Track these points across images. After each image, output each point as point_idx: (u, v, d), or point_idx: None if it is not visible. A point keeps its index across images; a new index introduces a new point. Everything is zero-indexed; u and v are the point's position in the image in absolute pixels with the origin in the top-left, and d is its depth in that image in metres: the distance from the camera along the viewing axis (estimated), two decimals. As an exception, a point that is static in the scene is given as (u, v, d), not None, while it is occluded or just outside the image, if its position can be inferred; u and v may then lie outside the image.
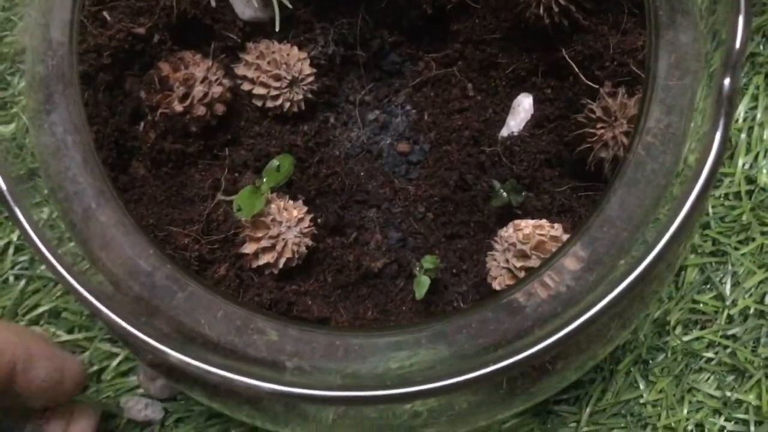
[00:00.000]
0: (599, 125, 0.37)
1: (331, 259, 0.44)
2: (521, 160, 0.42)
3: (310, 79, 0.44)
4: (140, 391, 0.48)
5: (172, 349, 0.29)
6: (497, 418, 0.41)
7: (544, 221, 0.39)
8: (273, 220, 0.40)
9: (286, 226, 0.41)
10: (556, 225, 0.38)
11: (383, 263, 0.45)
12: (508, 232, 0.40)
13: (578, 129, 0.38)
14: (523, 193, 0.41)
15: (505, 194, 0.41)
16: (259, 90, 0.43)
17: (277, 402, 0.40)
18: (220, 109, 0.41)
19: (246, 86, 0.43)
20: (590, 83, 0.38)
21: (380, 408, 0.37)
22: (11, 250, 0.50)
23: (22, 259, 0.50)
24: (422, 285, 0.42)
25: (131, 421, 0.48)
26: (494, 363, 0.27)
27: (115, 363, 0.49)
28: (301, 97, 0.43)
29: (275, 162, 0.40)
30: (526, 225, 0.39)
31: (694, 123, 0.34)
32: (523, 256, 0.38)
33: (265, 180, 0.40)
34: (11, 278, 0.50)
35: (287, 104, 0.43)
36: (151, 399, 0.48)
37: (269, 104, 0.43)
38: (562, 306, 0.31)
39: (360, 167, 0.47)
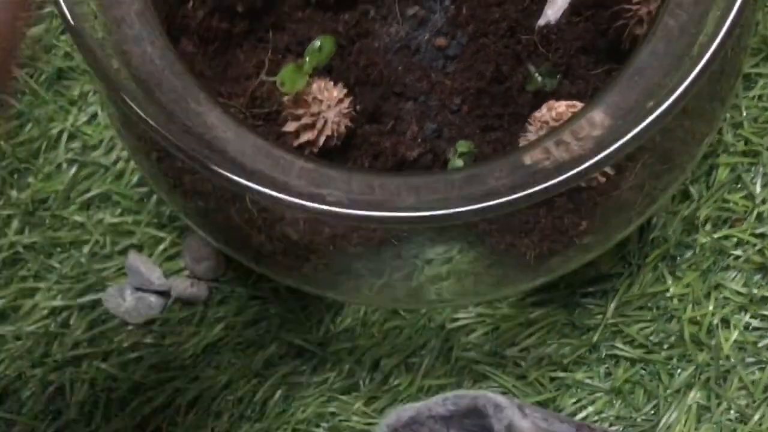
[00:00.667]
0: (635, 1, 0.38)
1: (369, 144, 0.46)
2: (557, 48, 0.43)
3: (352, -35, 0.45)
4: (186, 272, 0.51)
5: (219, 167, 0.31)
6: (527, 286, 0.43)
7: (577, 102, 0.41)
8: (314, 98, 0.42)
9: (326, 105, 0.42)
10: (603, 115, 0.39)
11: (419, 152, 0.46)
12: (541, 112, 0.41)
13: (615, 5, 0.39)
14: (558, 77, 0.42)
15: (540, 78, 0.42)
16: (303, -24, 0.44)
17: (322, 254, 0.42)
18: (260, -9, 0.43)
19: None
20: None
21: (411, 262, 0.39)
22: (64, 138, 0.52)
23: (74, 145, 0.52)
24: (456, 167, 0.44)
25: (178, 300, 0.50)
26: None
27: (162, 247, 0.51)
28: (343, -17, 0.45)
29: (317, 42, 0.42)
30: (560, 105, 0.40)
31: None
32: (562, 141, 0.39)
33: (307, 59, 0.42)
34: (64, 164, 0.52)
35: (329, -10, 0.45)
36: (197, 279, 0.50)
37: (312, -10, 0.44)
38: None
39: (398, 61, 0.48)
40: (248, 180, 0.30)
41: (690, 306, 0.48)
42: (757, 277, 0.48)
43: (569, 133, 0.34)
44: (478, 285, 0.45)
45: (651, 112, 0.31)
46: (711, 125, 0.40)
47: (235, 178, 0.30)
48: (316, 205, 0.29)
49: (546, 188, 0.31)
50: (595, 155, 0.30)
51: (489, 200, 0.30)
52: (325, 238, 0.42)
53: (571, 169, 0.31)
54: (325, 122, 0.42)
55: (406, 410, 0.39)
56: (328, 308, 0.50)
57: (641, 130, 0.30)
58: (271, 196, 0.29)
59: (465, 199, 0.34)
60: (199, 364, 0.50)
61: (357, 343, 0.50)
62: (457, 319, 0.50)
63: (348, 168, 0.40)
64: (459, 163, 0.44)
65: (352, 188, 0.33)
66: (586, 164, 0.29)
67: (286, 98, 0.42)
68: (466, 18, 0.47)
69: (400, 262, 0.44)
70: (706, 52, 0.29)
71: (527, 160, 0.35)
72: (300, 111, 0.42)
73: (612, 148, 0.29)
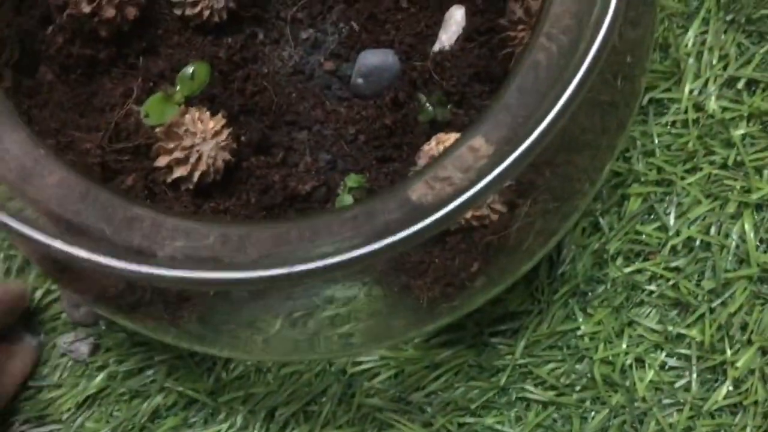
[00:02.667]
0: (520, 27, 0.35)
1: (255, 178, 0.42)
2: (451, 75, 0.41)
3: (233, -14, 0.42)
4: (64, 315, 0.47)
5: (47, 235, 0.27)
6: (421, 331, 0.40)
7: (468, 134, 0.38)
8: (186, 130, 0.39)
9: (201, 137, 0.39)
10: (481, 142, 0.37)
11: (312, 186, 0.43)
12: (430, 145, 0.38)
13: (501, 32, 0.36)
14: (449, 107, 0.39)
15: (431, 108, 0.39)
16: (178, -3, 0.41)
17: (194, 319, 0.39)
18: (131, 12, 0.39)
19: (166, -6, 0.41)
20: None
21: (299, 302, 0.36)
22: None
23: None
24: (344, 204, 0.41)
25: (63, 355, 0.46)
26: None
27: (39, 294, 0.47)
28: (222, 5, 0.42)
29: (189, 69, 0.38)
30: (449, 137, 0.38)
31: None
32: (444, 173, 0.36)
33: (178, 88, 0.38)
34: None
35: (207, 12, 0.41)
36: (78, 328, 0.46)
37: (188, 12, 0.41)
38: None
39: (291, 88, 0.45)
40: (47, 236, 0.26)
41: (602, 345, 0.45)
42: (673, 313, 0.46)
43: (451, 165, 0.32)
44: (377, 329, 0.42)
45: (524, 140, 0.28)
46: (607, 153, 0.38)
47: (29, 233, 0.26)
48: (128, 266, 0.25)
49: (432, 225, 0.28)
50: (473, 188, 0.27)
51: (336, 257, 0.27)
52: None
53: (450, 203, 0.28)
54: (200, 156, 0.39)
55: None
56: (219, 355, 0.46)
57: (513, 161, 0.27)
58: (66, 253, 0.25)
59: (353, 240, 0.31)
60: (79, 416, 0.46)
61: (251, 391, 0.46)
62: (359, 363, 0.47)
63: (196, 214, 0.36)
64: (347, 199, 0.41)
65: (201, 239, 0.29)
66: (463, 198, 0.26)
67: (158, 130, 0.38)
68: (362, 41, 0.44)
69: (291, 305, 0.41)
70: (576, 74, 0.26)
71: (412, 194, 0.32)
72: (171, 144, 0.39)
73: (486, 181, 0.26)
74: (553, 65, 0.30)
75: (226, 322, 0.39)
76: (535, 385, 0.45)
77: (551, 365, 0.45)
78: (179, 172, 0.39)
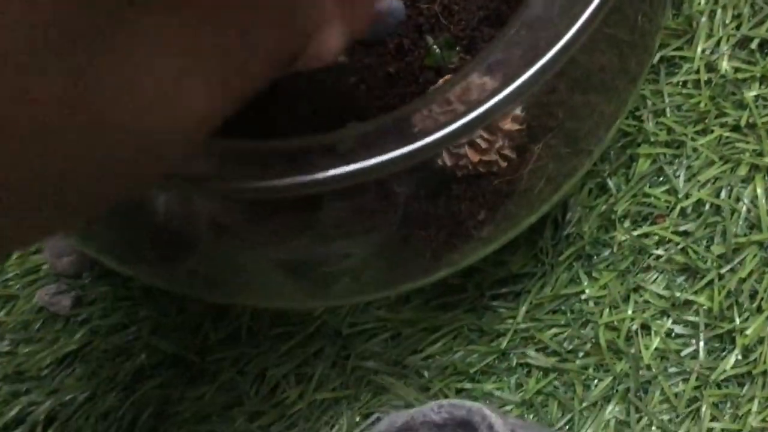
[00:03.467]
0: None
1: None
2: (460, 19, 0.39)
3: None
4: (45, 267, 0.45)
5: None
6: (423, 282, 0.38)
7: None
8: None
9: None
10: (486, 77, 0.35)
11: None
12: (438, 86, 0.36)
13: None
14: (457, 48, 0.37)
15: (438, 51, 0.38)
16: None
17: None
18: None
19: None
20: None
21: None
22: None
23: None
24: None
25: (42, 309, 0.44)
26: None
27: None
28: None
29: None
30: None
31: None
32: (446, 103, 0.34)
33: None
34: None
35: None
36: (60, 279, 0.44)
37: None
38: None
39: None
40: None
41: (607, 310, 0.44)
42: (680, 279, 0.44)
43: (453, 95, 0.30)
44: (376, 278, 0.40)
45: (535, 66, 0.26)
46: (619, 105, 0.36)
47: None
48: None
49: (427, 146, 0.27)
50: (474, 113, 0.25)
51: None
52: (205, 227, 0.37)
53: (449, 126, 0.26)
54: None
55: (399, 416, 0.36)
56: (207, 312, 0.44)
57: (522, 84, 0.25)
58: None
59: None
60: (58, 374, 0.44)
61: (240, 351, 0.44)
62: (355, 324, 0.45)
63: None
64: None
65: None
66: (465, 120, 0.25)
67: None
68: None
69: (292, 253, 0.39)
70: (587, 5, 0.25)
71: (414, 121, 0.31)
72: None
73: (490, 104, 0.24)
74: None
75: (221, 267, 0.37)
76: (537, 351, 0.44)
77: (554, 330, 0.44)
78: None
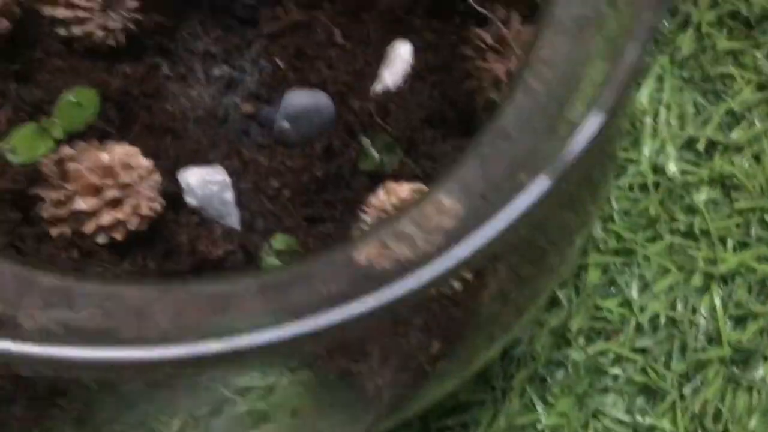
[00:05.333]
0: (490, 57, 0.30)
1: (157, 239, 0.34)
2: (397, 119, 0.35)
3: (134, 4, 0.34)
4: None
5: None
6: (366, 429, 0.32)
7: (423, 186, 0.31)
8: (91, 169, 0.30)
9: (135, 176, 0.31)
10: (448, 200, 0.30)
11: (225, 250, 0.35)
12: (378, 197, 0.31)
13: (464, 62, 0.31)
14: (398, 152, 0.33)
15: (376, 155, 0.33)
16: (63, 12, 0.33)
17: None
18: (3, 25, 0.31)
19: (47, 10, 0.33)
20: (480, 9, 0.31)
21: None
22: None
23: None
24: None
25: None
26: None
27: None
28: (120, 26, 0.34)
29: (70, 97, 0.30)
30: (402, 187, 0.31)
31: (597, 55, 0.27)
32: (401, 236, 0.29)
33: (56, 119, 0.30)
34: None
35: (100, 33, 0.34)
36: None
37: (75, 31, 0.33)
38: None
39: (200, 132, 0.38)
40: None
41: (566, 441, 0.39)
42: (640, 400, 0.40)
43: (411, 222, 0.25)
44: (306, 428, 0.34)
45: (522, 195, 0.22)
46: (585, 217, 0.32)
47: None
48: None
49: (389, 302, 0.21)
50: (452, 252, 0.20)
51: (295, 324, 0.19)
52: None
53: (422, 271, 0.21)
54: (136, 201, 0.31)
55: None
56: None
57: (513, 221, 0.21)
58: None
59: (268, 315, 0.23)
60: None
61: None
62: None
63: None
64: (274, 263, 0.33)
65: (80, 306, 0.21)
66: (444, 265, 0.19)
67: (46, 166, 0.30)
68: (287, 80, 0.38)
69: (192, 400, 0.32)
70: (594, 110, 0.21)
71: (360, 257, 0.25)
72: (54, 193, 0.30)
73: (478, 244, 0.19)
74: (544, 113, 0.24)
75: (111, 422, 0.30)
76: (490, 492, 0.38)
77: (508, 467, 0.38)
78: (90, 225, 0.30)
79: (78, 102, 0.30)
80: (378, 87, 0.36)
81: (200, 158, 0.37)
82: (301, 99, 0.37)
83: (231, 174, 0.37)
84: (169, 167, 0.36)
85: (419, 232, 0.25)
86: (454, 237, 0.23)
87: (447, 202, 0.25)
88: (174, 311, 0.22)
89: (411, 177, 0.33)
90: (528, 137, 0.22)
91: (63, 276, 0.21)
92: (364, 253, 0.25)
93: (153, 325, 0.21)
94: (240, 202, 0.37)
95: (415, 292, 0.20)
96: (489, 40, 0.30)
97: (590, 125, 0.20)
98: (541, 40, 0.23)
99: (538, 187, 0.19)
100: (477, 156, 0.24)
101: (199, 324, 0.21)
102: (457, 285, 0.30)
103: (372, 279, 0.23)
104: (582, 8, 0.23)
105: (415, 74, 0.35)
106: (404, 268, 0.22)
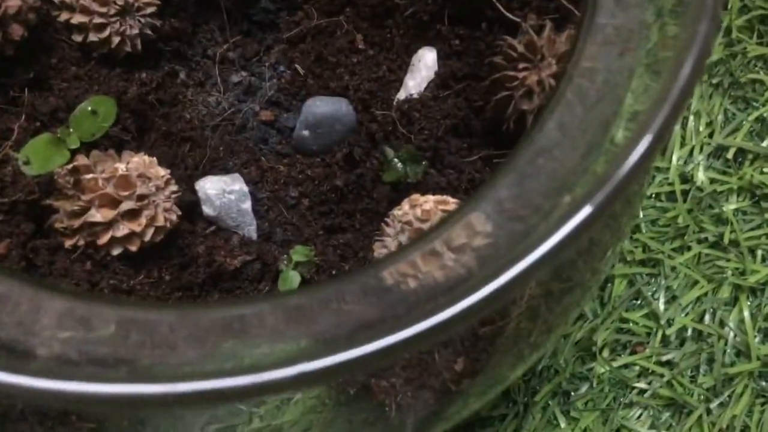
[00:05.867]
0: (521, 66, 0.29)
1: (175, 250, 0.33)
2: (421, 128, 0.34)
3: (151, 9, 0.33)
4: None
5: None
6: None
7: (448, 197, 0.30)
8: (95, 181, 0.29)
9: (153, 186, 0.30)
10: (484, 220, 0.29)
11: (242, 261, 0.34)
12: (403, 209, 0.30)
13: (495, 73, 0.30)
14: (423, 163, 0.32)
15: (400, 165, 0.32)
16: (79, 18, 0.32)
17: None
18: (17, 32, 0.30)
19: (63, 15, 0.32)
20: (511, 16, 0.30)
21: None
22: None
23: None
24: (290, 283, 0.32)
25: None
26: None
27: None
28: (137, 31, 0.33)
29: (87, 106, 0.29)
30: (426, 200, 0.30)
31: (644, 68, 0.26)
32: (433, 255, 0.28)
33: (72, 129, 0.29)
34: None
35: (116, 39, 0.33)
36: None
37: (92, 38, 0.32)
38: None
39: (218, 140, 0.37)
40: None
41: (590, 457, 0.38)
42: (666, 415, 0.39)
43: (441, 241, 0.24)
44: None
45: (567, 222, 0.20)
46: (619, 233, 0.31)
47: None
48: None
49: (423, 331, 0.20)
50: (487, 277, 0.19)
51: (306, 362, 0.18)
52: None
53: (458, 299, 0.20)
54: (155, 211, 0.30)
55: None
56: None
57: (556, 247, 0.19)
58: None
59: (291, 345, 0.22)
60: None
61: None
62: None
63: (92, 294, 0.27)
64: (293, 276, 0.32)
65: (97, 330, 0.20)
66: (481, 292, 0.18)
67: (61, 175, 0.29)
68: (307, 86, 0.37)
69: (207, 417, 0.31)
70: (646, 132, 0.20)
71: (387, 278, 0.24)
72: (68, 203, 0.29)
73: (516, 271, 0.18)
74: (586, 130, 0.23)
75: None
76: None
77: (531, 483, 0.37)
78: (104, 236, 0.29)
79: (94, 111, 0.29)
80: (401, 95, 0.35)
81: (218, 167, 0.36)
82: (321, 106, 0.36)
83: (249, 183, 0.36)
84: (185, 176, 0.35)
85: (448, 252, 0.24)
86: (486, 259, 0.22)
87: (479, 223, 0.24)
88: (195, 338, 0.21)
89: (435, 189, 0.33)
90: (570, 155, 0.21)
91: (78, 298, 0.20)
92: (393, 274, 0.24)
93: (174, 353, 0.20)
94: (258, 211, 0.36)
95: (452, 319, 0.19)
96: (520, 48, 0.29)
97: (640, 147, 0.19)
98: (581, 51, 0.22)
99: (583, 213, 0.18)
100: (513, 174, 0.23)
101: (223, 352, 0.20)
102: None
103: (403, 303, 0.23)
104: (626, 18, 0.22)
105: (440, 82, 0.34)
106: (436, 293, 0.21)
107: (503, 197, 0.21)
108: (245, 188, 0.35)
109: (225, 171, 0.36)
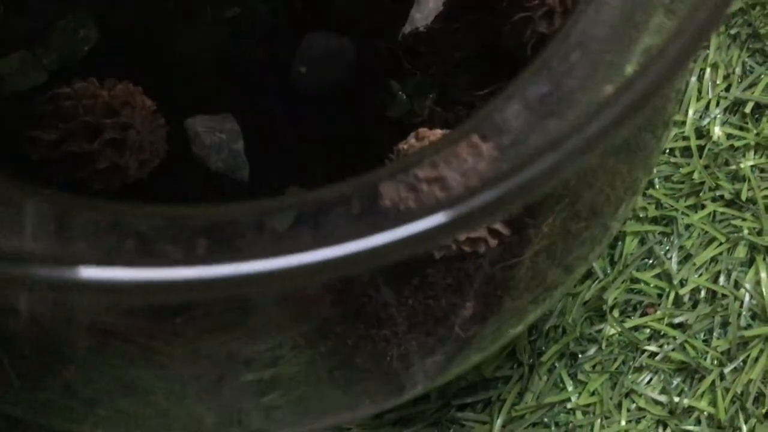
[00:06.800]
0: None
1: (159, 188, 0.31)
2: (428, 63, 0.31)
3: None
4: None
5: None
6: (384, 405, 0.29)
7: (457, 132, 0.28)
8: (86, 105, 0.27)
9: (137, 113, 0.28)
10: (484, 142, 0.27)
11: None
12: (409, 143, 0.28)
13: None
14: (431, 96, 0.30)
15: (405, 98, 0.30)
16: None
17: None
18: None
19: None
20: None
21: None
22: None
23: None
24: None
25: None
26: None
27: None
28: (123, -49, 0.31)
29: (68, 23, 0.27)
30: (434, 134, 0.28)
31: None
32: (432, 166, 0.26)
33: (51, 49, 0.27)
34: None
35: (100, -42, 0.30)
36: None
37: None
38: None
39: (209, 78, 0.35)
40: None
41: (598, 421, 0.36)
42: (677, 379, 0.37)
43: (443, 163, 0.22)
44: (320, 401, 0.31)
45: (584, 125, 0.18)
46: (633, 185, 0.29)
47: None
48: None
49: (408, 238, 0.18)
50: (483, 194, 0.17)
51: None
52: (81, 331, 0.27)
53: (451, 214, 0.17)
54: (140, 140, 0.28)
55: None
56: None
57: (561, 158, 0.17)
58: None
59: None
60: None
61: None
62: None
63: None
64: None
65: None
66: (469, 205, 0.16)
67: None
68: (304, 21, 0.34)
69: (202, 366, 0.29)
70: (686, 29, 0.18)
71: (385, 199, 0.22)
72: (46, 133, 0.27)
73: (513, 183, 0.16)
74: (601, 46, 0.21)
75: (104, 390, 0.27)
76: (515, 476, 0.35)
77: (536, 449, 0.35)
78: (102, 163, 0.27)
79: (75, 29, 0.27)
80: (407, 29, 0.33)
81: (209, 105, 0.34)
82: (320, 42, 0.34)
83: (242, 123, 0.34)
84: (174, 114, 0.33)
85: (454, 174, 0.22)
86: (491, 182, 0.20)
87: (484, 144, 0.22)
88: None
89: (442, 125, 0.30)
90: (579, 80, 0.19)
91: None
92: (389, 194, 0.22)
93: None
94: (251, 154, 0.34)
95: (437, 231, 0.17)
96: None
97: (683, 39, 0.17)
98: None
99: (622, 102, 0.16)
100: (516, 95, 0.21)
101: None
102: (492, 240, 0.27)
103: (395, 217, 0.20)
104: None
105: (450, 14, 0.32)
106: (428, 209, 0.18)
107: (534, 94, 0.19)
108: (237, 127, 0.33)
109: (216, 110, 0.34)
